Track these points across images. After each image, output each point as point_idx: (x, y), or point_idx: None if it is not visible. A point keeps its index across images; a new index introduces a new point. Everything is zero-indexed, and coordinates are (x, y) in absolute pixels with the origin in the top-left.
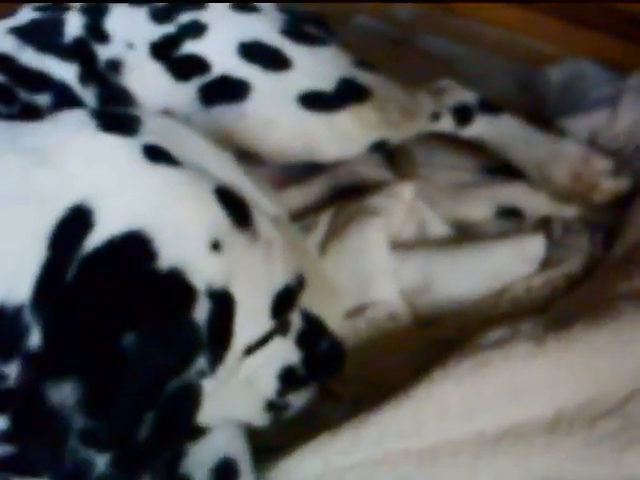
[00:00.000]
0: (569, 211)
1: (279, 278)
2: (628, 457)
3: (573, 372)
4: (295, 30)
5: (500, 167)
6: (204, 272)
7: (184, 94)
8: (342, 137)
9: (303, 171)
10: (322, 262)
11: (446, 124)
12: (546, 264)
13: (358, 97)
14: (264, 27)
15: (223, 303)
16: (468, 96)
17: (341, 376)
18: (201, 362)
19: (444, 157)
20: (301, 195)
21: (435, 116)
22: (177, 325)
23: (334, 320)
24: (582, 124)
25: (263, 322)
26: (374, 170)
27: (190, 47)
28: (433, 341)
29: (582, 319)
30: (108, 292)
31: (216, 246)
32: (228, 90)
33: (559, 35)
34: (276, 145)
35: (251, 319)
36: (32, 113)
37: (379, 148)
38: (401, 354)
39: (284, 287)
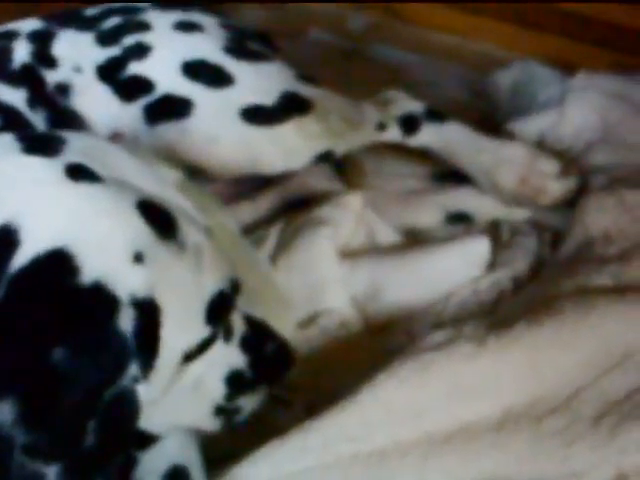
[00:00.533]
0: (518, 214)
1: (211, 285)
2: (573, 453)
3: (516, 371)
4: (238, 47)
5: (449, 173)
6: (127, 283)
7: (130, 114)
8: (286, 149)
9: (253, 186)
10: (273, 274)
11: (393, 134)
12: (493, 266)
13: (300, 109)
14: (207, 45)
15: (148, 312)
16: (414, 106)
17: (293, 384)
18: (133, 369)
19: (393, 165)
20: (252, 209)
21: (381, 126)
22: (103, 336)
23: (285, 329)
24: (531, 126)
25: (198, 329)
26: (324, 182)
27: (135, 68)
28: (384, 349)
29: (524, 318)
30: (34, 310)
31: (139, 258)
32: (171, 108)
33: (508, 38)
34: (221, 160)
35: (184, 326)
36: None
37: (325, 159)
38: (353, 362)
39: (217, 293)
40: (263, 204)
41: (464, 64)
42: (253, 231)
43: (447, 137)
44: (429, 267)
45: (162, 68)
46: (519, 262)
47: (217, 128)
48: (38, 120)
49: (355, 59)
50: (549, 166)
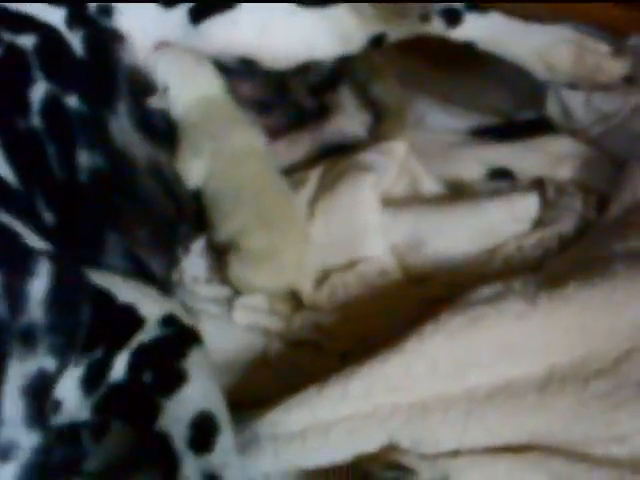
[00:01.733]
0: (562, 173)
1: None
2: (619, 417)
3: (566, 331)
4: None
5: (490, 129)
6: None
7: (174, 20)
8: (342, 32)
9: (289, 124)
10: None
11: (436, 25)
12: (539, 224)
13: None
14: None
15: None
16: None
17: (327, 330)
18: None
19: (433, 119)
20: (288, 152)
21: (424, 17)
22: None
23: (300, 258)
24: None
25: None
26: (361, 129)
27: None
28: (423, 299)
29: (576, 278)
30: None
31: None
32: (216, 4)
33: None
34: (274, 48)
35: None
36: (16, 56)
37: (378, 43)
38: (390, 311)
39: None
40: (299, 147)
41: None
42: (290, 174)
43: (492, 26)
44: (474, 220)
45: None
46: (565, 222)
47: (267, 14)
48: (75, 40)
49: None
50: (601, 46)
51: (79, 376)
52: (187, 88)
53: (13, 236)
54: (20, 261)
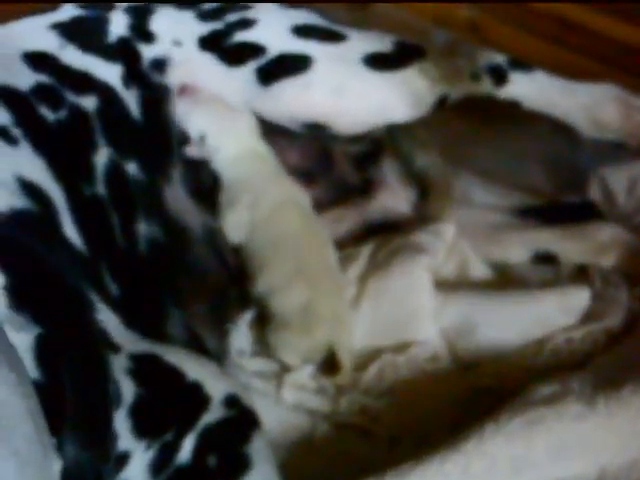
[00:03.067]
0: (606, 261)
1: None
2: None
3: (620, 434)
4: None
5: (533, 210)
6: None
7: (239, 78)
8: (412, 94)
9: (332, 199)
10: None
11: (485, 85)
12: (586, 316)
13: (418, 54)
14: (313, 16)
15: None
16: (497, 57)
17: (375, 413)
18: None
19: (476, 195)
20: (332, 227)
21: (475, 76)
22: None
23: (337, 316)
24: (621, 174)
25: None
26: (405, 205)
27: (241, 36)
28: (472, 388)
29: (630, 382)
30: None
31: None
32: (288, 66)
33: (587, 71)
34: (346, 111)
35: None
36: (81, 120)
37: (442, 104)
38: (440, 398)
39: None
40: (344, 223)
41: None
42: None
43: (538, 84)
44: (524, 309)
45: (271, 34)
46: (612, 316)
47: (341, 77)
48: (130, 98)
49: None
50: None
51: (149, 460)
52: (227, 138)
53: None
54: None
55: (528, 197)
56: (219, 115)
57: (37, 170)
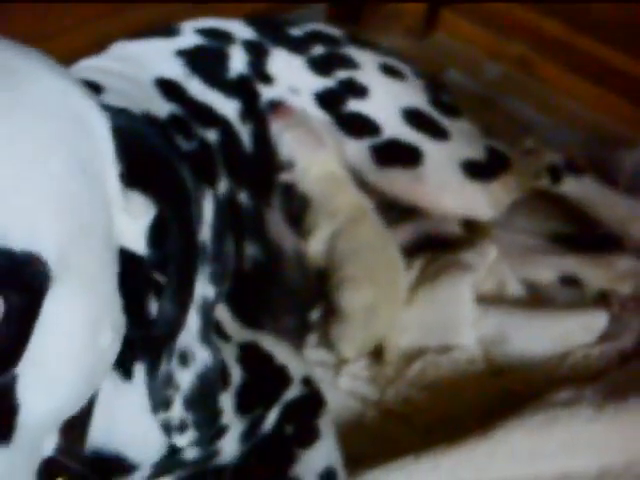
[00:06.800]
0: (624, 288)
1: None
2: None
3: (624, 436)
4: (436, 99)
5: (564, 236)
6: None
7: (356, 150)
8: (495, 202)
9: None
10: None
11: (544, 182)
12: (603, 336)
13: (504, 166)
14: (416, 95)
15: None
16: (554, 157)
17: (414, 402)
18: None
19: (517, 220)
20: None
21: (537, 175)
22: None
23: (392, 317)
24: None
25: None
26: (455, 226)
27: (355, 106)
28: (501, 389)
29: (637, 393)
30: None
31: None
32: (400, 154)
33: (628, 116)
34: (446, 207)
35: None
36: (208, 152)
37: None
38: (472, 396)
39: None
40: (403, 234)
41: (584, 132)
42: None
43: (586, 189)
44: (554, 327)
45: (383, 112)
46: (626, 337)
47: (446, 179)
48: (246, 134)
49: (489, 107)
50: None
51: (241, 430)
52: (314, 163)
53: None
54: None
55: (563, 225)
56: (308, 139)
57: None
